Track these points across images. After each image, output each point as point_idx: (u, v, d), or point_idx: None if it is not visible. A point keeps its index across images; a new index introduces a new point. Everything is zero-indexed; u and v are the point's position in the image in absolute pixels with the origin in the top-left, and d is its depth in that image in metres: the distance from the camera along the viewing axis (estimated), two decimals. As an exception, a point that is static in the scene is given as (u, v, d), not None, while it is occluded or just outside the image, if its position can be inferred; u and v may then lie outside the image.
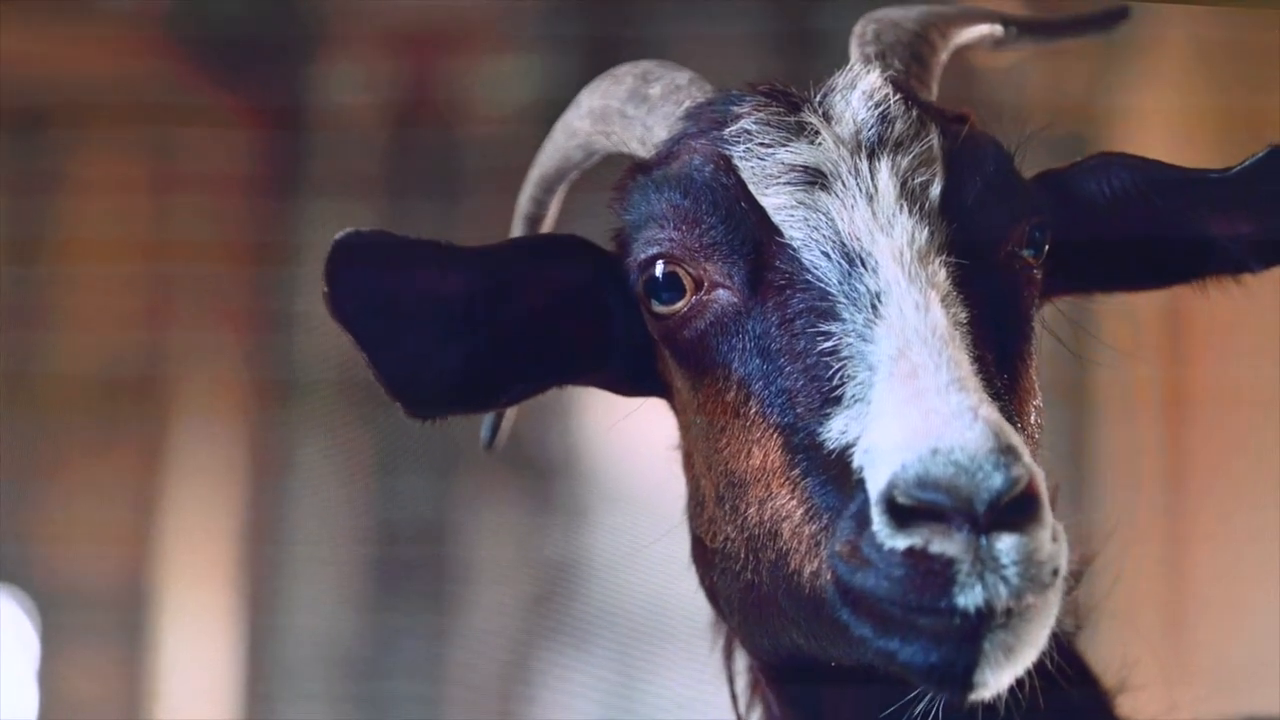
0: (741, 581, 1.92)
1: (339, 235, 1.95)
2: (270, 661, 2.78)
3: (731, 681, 2.22)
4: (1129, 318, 2.45)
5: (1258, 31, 2.68)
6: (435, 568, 2.74)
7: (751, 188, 1.95)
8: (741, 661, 2.20)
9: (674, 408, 2.13)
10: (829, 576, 1.75)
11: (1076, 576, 2.00)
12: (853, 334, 1.81)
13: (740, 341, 1.92)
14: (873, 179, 1.92)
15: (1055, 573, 1.66)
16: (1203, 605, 2.67)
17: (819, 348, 1.83)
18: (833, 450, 1.77)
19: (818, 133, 1.96)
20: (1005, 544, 1.63)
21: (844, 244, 1.88)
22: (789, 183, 1.94)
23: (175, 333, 2.76)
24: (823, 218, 1.90)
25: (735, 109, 2.03)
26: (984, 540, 1.63)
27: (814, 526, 1.78)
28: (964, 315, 1.83)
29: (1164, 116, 2.71)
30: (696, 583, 2.11)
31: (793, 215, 1.92)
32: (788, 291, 1.89)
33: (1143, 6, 2.60)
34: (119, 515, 2.75)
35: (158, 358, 2.76)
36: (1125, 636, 2.33)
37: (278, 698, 2.80)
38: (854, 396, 1.77)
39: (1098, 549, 2.17)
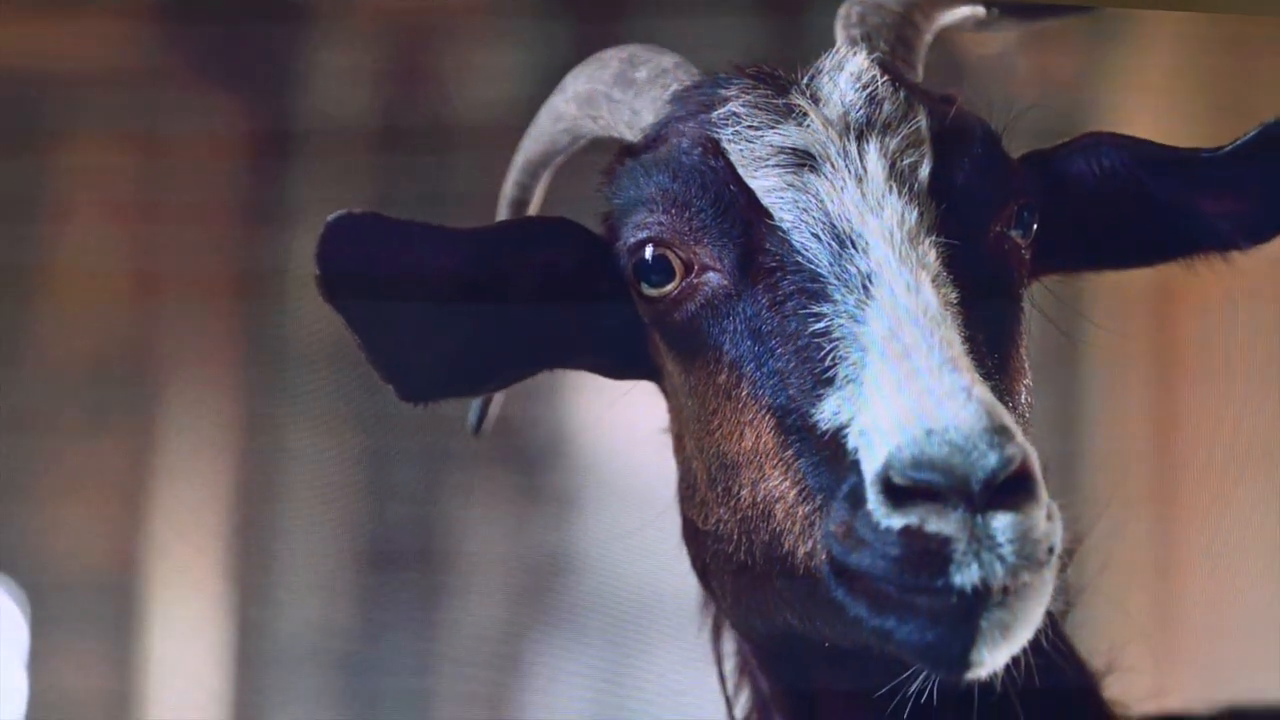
0: (734, 563, 1.92)
1: (331, 217, 1.94)
2: (260, 655, 2.77)
3: (720, 664, 2.23)
4: (1118, 295, 2.46)
5: (1246, 23, 2.69)
6: (424, 558, 2.73)
7: (740, 170, 1.95)
8: (730, 644, 2.20)
9: (664, 391, 2.13)
10: (824, 557, 1.75)
11: (1068, 556, 2.00)
12: (844, 315, 1.81)
13: (731, 324, 1.92)
14: (861, 160, 1.92)
15: (1050, 551, 1.67)
16: (1193, 587, 2.67)
17: (810, 329, 1.83)
18: (826, 431, 1.77)
19: (806, 115, 1.96)
20: (1001, 523, 1.64)
21: (834, 225, 1.88)
22: (778, 165, 1.94)
23: (164, 319, 2.74)
24: (812, 199, 1.90)
25: (723, 92, 2.03)
26: (979, 519, 1.64)
27: (808, 507, 1.79)
28: (954, 295, 1.84)
29: (1152, 100, 2.72)
30: (686, 567, 2.11)
31: (782, 197, 1.92)
32: (778, 273, 1.89)
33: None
34: (108, 504, 2.73)
35: (146, 342, 2.75)
36: (1114, 618, 2.34)
37: (267, 691, 2.78)
38: (846, 377, 1.78)
39: (1088, 529, 2.18)
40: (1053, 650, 1.81)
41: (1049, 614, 1.75)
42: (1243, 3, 2.60)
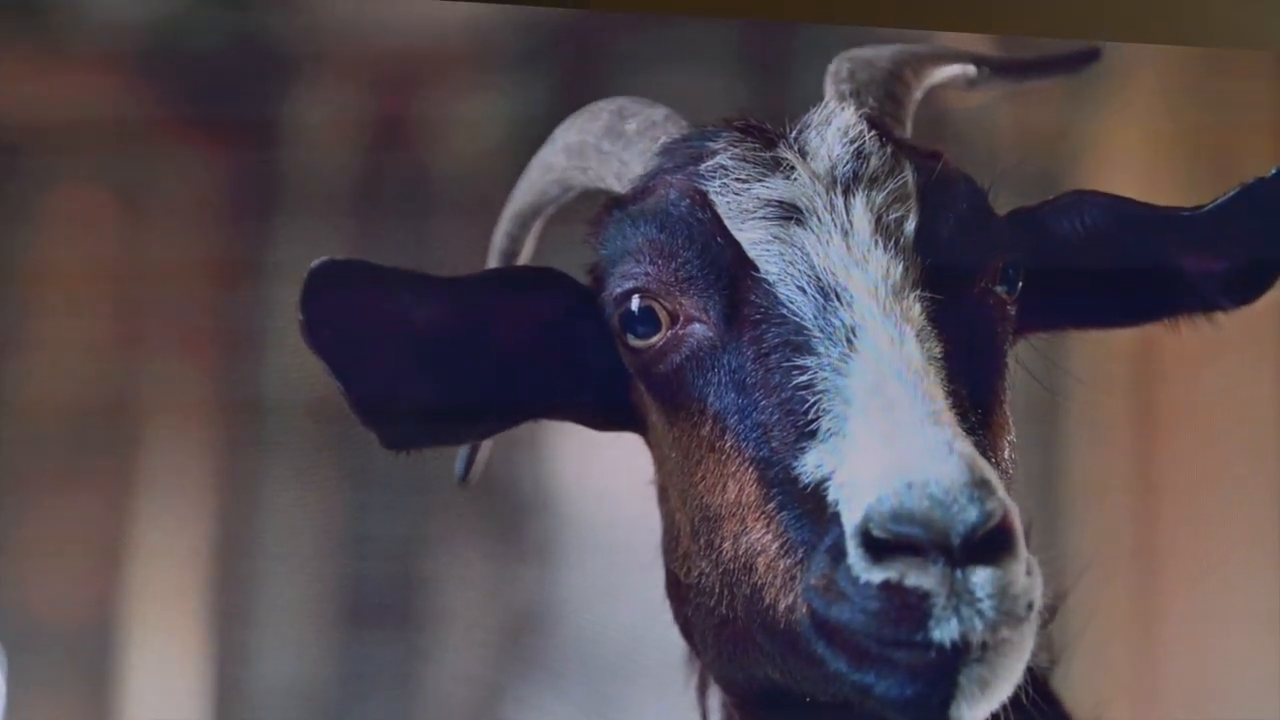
0: (716, 616, 1.92)
1: (315, 264, 1.94)
2: (237, 709, 2.76)
3: (705, 718, 2.21)
4: (1101, 351, 2.46)
5: (1224, 74, 2.72)
6: (405, 612, 2.72)
7: (727, 222, 1.95)
8: (715, 698, 2.18)
9: (649, 442, 2.13)
10: (804, 610, 1.75)
11: (1051, 611, 2.00)
12: (828, 368, 1.81)
13: (716, 375, 1.92)
14: (848, 214, 1.93)
15: (1030, 606, 1.67)
16: (1176, 643, 2.67)
17: (794, 381, 1.83)
18: (808, 484, 1.77)
19: (793, 168, 1.97)
20: (980, 577, 1.64)
21: (819, 278, 1.88)
22: (765, 218, 1.94)
23: (144, 373, 2.75)
24: (798, 252, 1.90)
25: (711, 144, 2.03)
26: (959, 574, 1.63)
27: (789, 560, 1.78)
28: (938, 350, 1.84)
29: (1132, 155, 2.73)
30: (670, 619, 2.11)
31: (768, 250, 1.92)
32: (763, 325, 1.89)
33: (1112, 47, 2.63)
34: (86, 557, 2.73)
35: (126, 396, 2.75)
36: (1099, 673, 2.33)
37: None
38: (829, 430, 1.77)
39: (1071, 584, 2.18)
40: (1033, 707, 1.80)
41: (1030, 670, 1.74)
42: (1223, 34, 2.62)
